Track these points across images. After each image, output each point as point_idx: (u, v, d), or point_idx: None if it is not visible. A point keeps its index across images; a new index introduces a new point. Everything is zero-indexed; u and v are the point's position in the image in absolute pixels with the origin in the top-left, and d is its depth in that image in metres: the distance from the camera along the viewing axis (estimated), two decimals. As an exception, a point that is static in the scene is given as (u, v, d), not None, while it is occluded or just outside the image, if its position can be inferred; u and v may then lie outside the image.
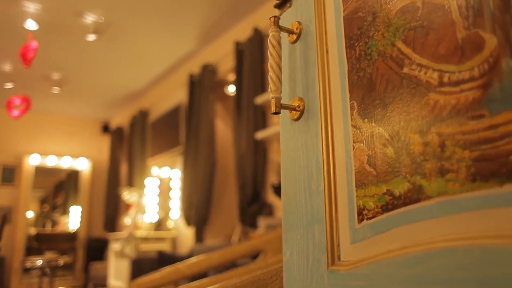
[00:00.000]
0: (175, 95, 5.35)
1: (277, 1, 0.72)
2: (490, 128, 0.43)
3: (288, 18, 0.72)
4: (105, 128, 7.55)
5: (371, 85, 0.57)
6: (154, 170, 6.03)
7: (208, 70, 4.55)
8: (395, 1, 0.56)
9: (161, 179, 6.08)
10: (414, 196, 0.50)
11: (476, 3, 0.46)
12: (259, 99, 3.49)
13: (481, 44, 0.45)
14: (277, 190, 3.15)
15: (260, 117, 3.67)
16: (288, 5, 0.72)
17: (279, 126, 0.75)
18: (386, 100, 0.55)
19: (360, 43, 0.60)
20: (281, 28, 0.68)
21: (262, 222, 3.17)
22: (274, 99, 0.64)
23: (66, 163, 7.27)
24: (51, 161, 7.12)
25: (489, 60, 0.44)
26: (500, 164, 0.42)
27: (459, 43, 0.48)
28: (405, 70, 0.53)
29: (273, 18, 0.66)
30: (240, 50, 4.04)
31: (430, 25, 0.51)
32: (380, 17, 0.57)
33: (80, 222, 7.20)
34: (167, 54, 5.01)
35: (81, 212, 7.25)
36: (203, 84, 4.55)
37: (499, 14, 0.44)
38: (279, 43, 0.66)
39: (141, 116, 6.11)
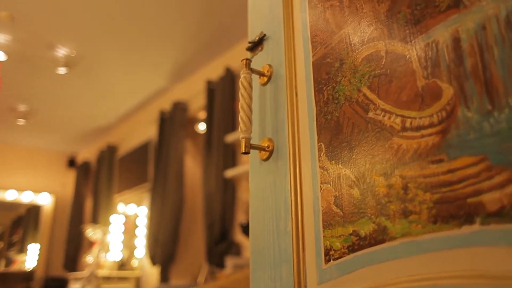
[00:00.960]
0: (145, 131, 5.31)
1: (250, 45, 0.75)
2: (449, 172, 0.45)
3: (259, 61, 0.74)
4: (71, 163, 7.35)
5: (338, 128, 0.59)
6: (120, 206, 5.87)
7: (179, 107, 4.56)
8: (361, 50, 0.59)
9: (127, 216, 5.91)
10: (379, 237, 0.51)
11: (434, 55, 0.49)
12: (229, 138, 3.51)
13: (439, 93, 0.48)
14: (245, 229, 3.12)
15: (230, 156, 3.67)
16: (260, 48, 0.74)
17: (248, 165, 0.76)
18: (352, 143, 0.57)
19: (328, 88, 0.62)
20: (252, 70, 0.70)
21: (230, 262, 3.11)
22: (244, 139, 0.65)
23: (27, 197, 6.98)
24: (10, 195, 6.82)
25: (447, 108, 0.47)
26: (459, 207, 0.43)
27: (419, 91, 0.50)
28: (370, 114, 0.56)
29: (245, 60, 0.68)
30: (211, 89, 4.09)
31: (393, 73, 0.54)
32: (347, 64, 0.60)
33: (38, 261, 6.83)
34: (138, 90, 5.01)
35: (40, 249, 6.90)
36: (173, 121, 4.55)
37: (454, 66, 0.47)
38: (250, 85, 0.68)
39: (109, 151, 6.00)
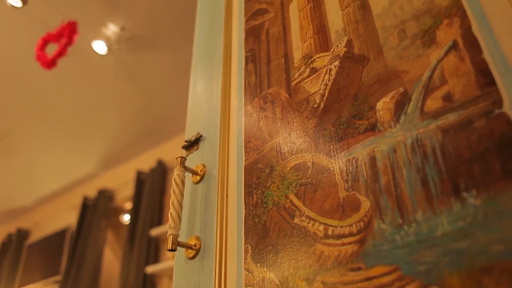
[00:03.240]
0: (64, 217, 4.96)
1: (186, 143, 0.78)
2: (366, 280, 0.48)
3: (194, 160, 0.76)
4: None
5: (265, 231, 0.61)
6: (20, 302, 5.19)
7: (105, 195, 4.37)
8: (290, 159, 0.64)
9: (26, 314, 5.20)
10: None
11: (354, 170, 0.55)
12: (155, 231, 3.37)
13: (358, 204, 0.53)
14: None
15: (153, 250, 3.50)
16: (195, 147, 0.77)
17: (172, 261, 0.74)
18: (278, 247, 0.59)
19: (258, 192, 0.65)
20: (186, 168, 0.72)
21: None
22: (171, 236, 0.64)
23: None
24: None
25: (364, 219, 0.51)
26: (375, 315, 0.45)
27: (341, 202, 0.55)
28: (296, 220, 0.58)
29: (179, 158, 0.70)
30: (141, 180, 4.00)
31: (318, 183, 0.58)
32: (276, 171, 0.65)
33: None
34: (63, 173, 4.77)
35: None
36: (97, 209, 4.32)
37: (371, 182, 0.52)
38: (183, 182, 0.69)
39: (18, 236, 5.45)
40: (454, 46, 0.53)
